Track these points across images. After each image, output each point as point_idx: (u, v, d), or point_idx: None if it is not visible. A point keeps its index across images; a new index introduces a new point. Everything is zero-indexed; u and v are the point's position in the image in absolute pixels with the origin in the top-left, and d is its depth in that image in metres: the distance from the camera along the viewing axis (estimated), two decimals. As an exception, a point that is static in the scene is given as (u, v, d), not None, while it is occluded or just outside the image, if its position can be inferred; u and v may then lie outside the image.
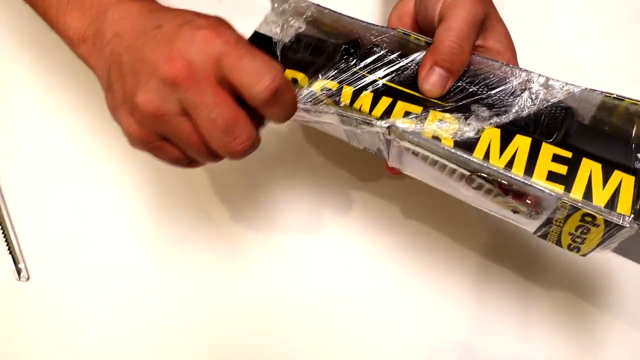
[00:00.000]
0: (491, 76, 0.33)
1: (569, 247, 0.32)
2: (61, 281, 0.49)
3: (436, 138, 0.31)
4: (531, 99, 0.31)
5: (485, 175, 0.30)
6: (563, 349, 0.47)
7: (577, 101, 0.31)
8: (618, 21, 0.54)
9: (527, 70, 0.32)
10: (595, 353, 0.47)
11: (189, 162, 0.33)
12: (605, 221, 0.28)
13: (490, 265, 0.49)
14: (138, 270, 0.49)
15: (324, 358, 0.47)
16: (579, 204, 0.28)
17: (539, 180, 0.29)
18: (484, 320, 0.48)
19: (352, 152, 0.40)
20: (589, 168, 0.29)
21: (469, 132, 0.31)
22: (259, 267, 0.49)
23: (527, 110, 0.31)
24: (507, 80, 0.32)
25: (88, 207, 0.50)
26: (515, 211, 0.32)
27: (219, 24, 0.30)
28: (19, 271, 0.49)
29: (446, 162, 0.31)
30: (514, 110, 0.31)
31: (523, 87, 0.32)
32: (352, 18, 0.37)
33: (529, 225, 0.33)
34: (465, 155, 0.30)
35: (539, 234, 0.33)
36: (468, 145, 0.30)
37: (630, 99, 0.30)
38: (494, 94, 0.32)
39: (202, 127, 0.29)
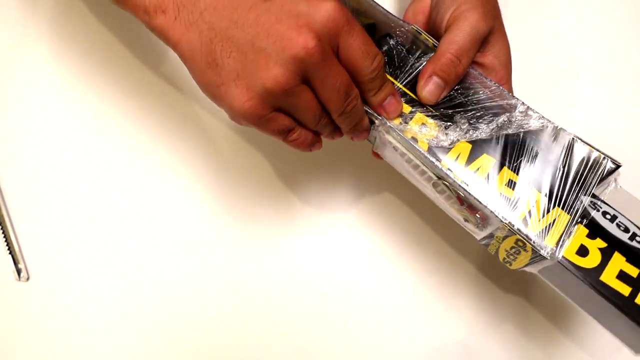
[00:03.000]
0: (481, 92, 0.35)
1: (504, 260, 0.36)
2: (61, 281, 0.49)
3: (414, 140, 0.34)
4: (509, 122, 0.34)
5: (447, 184, 0.33)
6: (563, 349, 0.47)
7: (547, 135, 0.34)
8: (619, 21, 0.54)
9: (515, 97, 0.35)
10: (596, 353, 0.47)
11: (290, 131, 0.34)
12: (533, 249, 0.32)
13: (490, 266, 0.49)
14: (138, 270, 0.49)
15: (324, 358, 0.47)
16: (515, 230, 0.32)
17: (488, 201, 0.32)
18: (484, 320, 0.48)
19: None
20: (535, 198, 0.32)
21: (444, 141, 0.34)
22: (261, 266, 0.49)
23: (501, 132, 0.34)
24: (494, 100, 0.35)
25: (88, 207, 0.50)
26: (466, 220, 0.35)
27: None
28: (19, 271, 0.49)
29: (419, 163, 0.34)
30: (489, 129, 0.34)
31: (506, 110, 0.34)
32: (375, 2, 0.38)
33: (476, 234, 0.36)
34: (434, 162, 0.33)
35: (482, 243, 0.36)
36: (440, 152, 0.34)
37: (596, 148, 0.33)
38: (478, 109, 0.35)
39: (324, 94, 0.32)
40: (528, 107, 0.34)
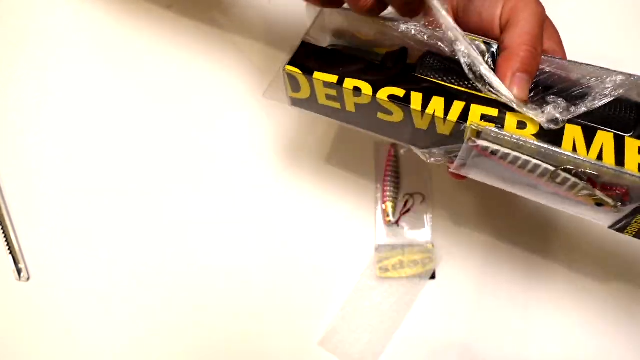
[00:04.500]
0: (554, 71, 0.33)
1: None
2: (61, 281, 0.49)
3: (519, 135, 0.31)
4: (604, 92, 0.31)
5: (571, 169, 0.31)
6: (563, 349, 0.46)
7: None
8: (628, 11, 0.52)
9: (586, 64, 0.33)
10: (596, 353, 0.46)
11: None
12: None
13: (490, 266, 0.48)
14: (138, 270, 0.49)
15: (324, 357, 0.47)
16: None
17: (631, 170, 0.29)
18: (484, 320, 0.47)
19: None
20: None
21: (550, 124, 0.31)
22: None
23: (599, 103, 0.31)
24: (572, 75, 0.33)
25: (88, 207, 0.51)
26: (599, 204, 0.32)
27: None
28: (19, 271, 0.50)
29: (530, 159, 0.31)
30: (588, 102, 0.31)
31: (588, 82, 0.32)
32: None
33: (606, 219, 0.33)
34: (554, 149, 0.30)
35: (617, 227, 0.33)
36: (554, 140, 0.31)
37: None
38: (565, 87, 0.32)
39: None
40: (614, 72, 0.32)
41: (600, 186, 0.31)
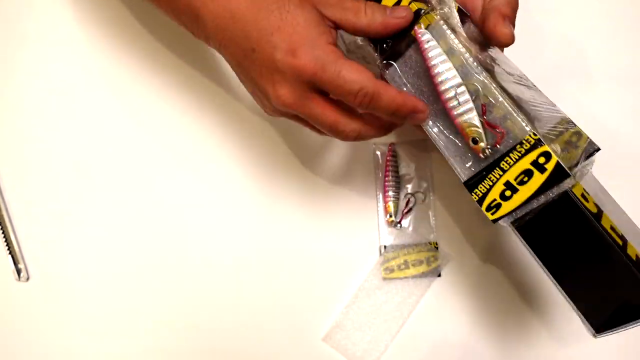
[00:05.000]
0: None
1: (489, 206, 0.34)
2: (61, 281, 0.49)
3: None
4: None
5: (478, 88, 0.34)
6: (563, 349, 0.47)
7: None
8: (626, 18, 0.53)
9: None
10: (596, 353, 0.47)
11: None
12: (557, 163, 0.31)
13: (490, 266, 0.49)
14: (138, 270, 0.49)
15: (324, 358, 0.47)
16: (543, 141, 0.31)
17: (521, 116, 0.33)
18: (484, 320, 0.48)
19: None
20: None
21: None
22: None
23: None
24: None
25: (88, 207, 0.50)
26: (475, 140, 0.34)
27: (300, 47, 0.34)
28: (18, 271, 0.49)
29: (450, 66, 0.34)
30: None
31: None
32: None
33: (466, 171, 0.35)
34: (475, 65, 0.34)
35: (471, 182, 0.34)
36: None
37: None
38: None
39: (320, 129, 0.38)
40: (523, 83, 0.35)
41: (486, 123, 0.33)
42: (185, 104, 0.51)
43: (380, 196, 0.50)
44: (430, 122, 0.36)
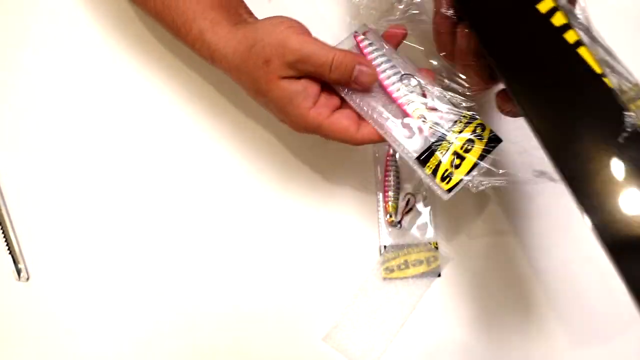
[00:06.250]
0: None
1: (443, 177, 0.37)
2: (61, 281, 0.49)
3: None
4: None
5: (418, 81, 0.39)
6: (563, 349, 0.47)
7: None
8: (623, 24, 0.53)
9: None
10: (597, 353, 0.47)
11: None
12: (491, 132, 0.38)
13: (490, 266, 0.49)
14: (138, 270, 0.49)
15: (323, 358, 0.47)
16: (477, 115, 0.38)
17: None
18: (484, 320, 0.48)
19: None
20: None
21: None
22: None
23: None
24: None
25: (88, 208, 0.50)
26: (425, 119, 0.38)
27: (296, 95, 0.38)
28: (18, 271, 0.49)
29: (393, 64, 0.40)
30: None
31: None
32: None
33: (415, 144, 0.38)
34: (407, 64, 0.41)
35: (423, 157, 0.38)
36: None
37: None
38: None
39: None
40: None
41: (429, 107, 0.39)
42: (189, 105, 0.51)
43: (380, 196, 0.50)
44: (383, 110, 0.39)
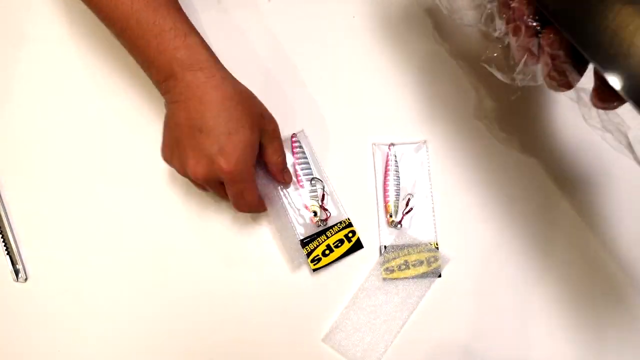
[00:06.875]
0: None
1: (313, 259, 0.48)
2: (59, 282, 0.49)
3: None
4: None
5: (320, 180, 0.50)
6: (563, 349, 0.47)
7: None
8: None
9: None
10: (597, 353, 0.47)
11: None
12: (358, 239, 0.49)
13: (490, 266, 0.49)
14: (136, 271, 0.49)
15: (322, 358, 0.47)
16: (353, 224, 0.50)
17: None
18: (484, 320, 0.48)
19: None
20: None
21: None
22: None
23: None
24: None
25: (87, 208, 0.50)
26: (315, 214, 0.49)
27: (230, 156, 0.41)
28: (16, 272, 0.49)
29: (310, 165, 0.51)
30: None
31: None
32: None
33: (303, 229, 0.49)
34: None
35: (306, 240, 0.49)
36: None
37: None
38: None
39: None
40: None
41: (322, 206, 0.50)
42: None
43: (381, 196, 0.50)
44: (286, 201, 0.50)
